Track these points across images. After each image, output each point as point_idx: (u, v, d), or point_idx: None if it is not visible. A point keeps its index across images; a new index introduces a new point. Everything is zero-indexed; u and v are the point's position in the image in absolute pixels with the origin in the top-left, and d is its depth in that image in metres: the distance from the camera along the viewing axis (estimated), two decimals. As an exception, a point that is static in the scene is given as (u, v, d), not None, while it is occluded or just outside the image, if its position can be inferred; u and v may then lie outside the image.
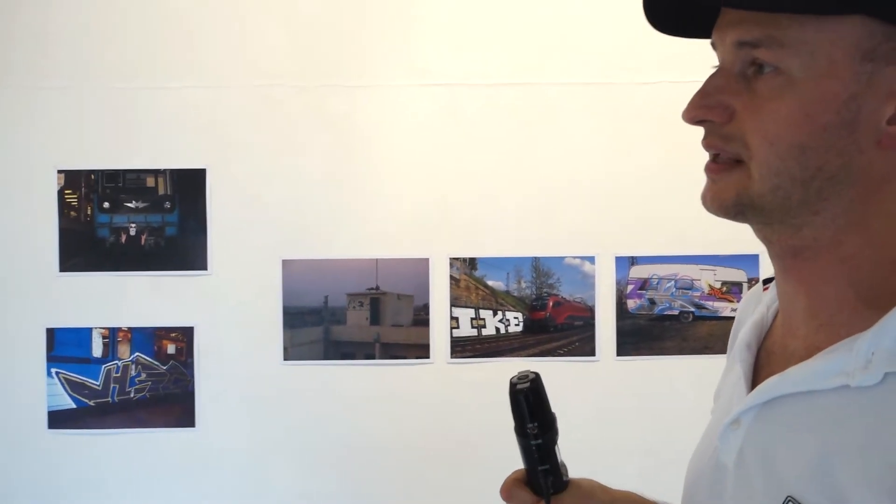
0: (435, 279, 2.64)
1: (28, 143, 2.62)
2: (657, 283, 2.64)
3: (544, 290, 2.65)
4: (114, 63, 2.62)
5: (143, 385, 2.64)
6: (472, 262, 2.65)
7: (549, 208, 2.63)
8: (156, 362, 2.64)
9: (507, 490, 0.95)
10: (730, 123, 0.72)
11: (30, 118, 2.62)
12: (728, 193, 0.73)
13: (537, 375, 0.92)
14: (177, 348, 2.64)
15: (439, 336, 2.64)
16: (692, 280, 2.64)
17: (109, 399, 2.64)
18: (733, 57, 0.72)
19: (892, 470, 0.64)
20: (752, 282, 2.62)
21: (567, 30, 2.63)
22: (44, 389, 2.62)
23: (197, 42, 2.62)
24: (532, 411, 0.90)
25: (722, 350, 2.76)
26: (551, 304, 2.65)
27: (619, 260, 2.64)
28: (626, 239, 2.63)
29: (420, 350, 2.64)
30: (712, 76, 0.74)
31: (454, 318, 2.64)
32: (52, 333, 2.63)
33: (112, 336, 2.64)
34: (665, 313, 2.65)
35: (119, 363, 2.64)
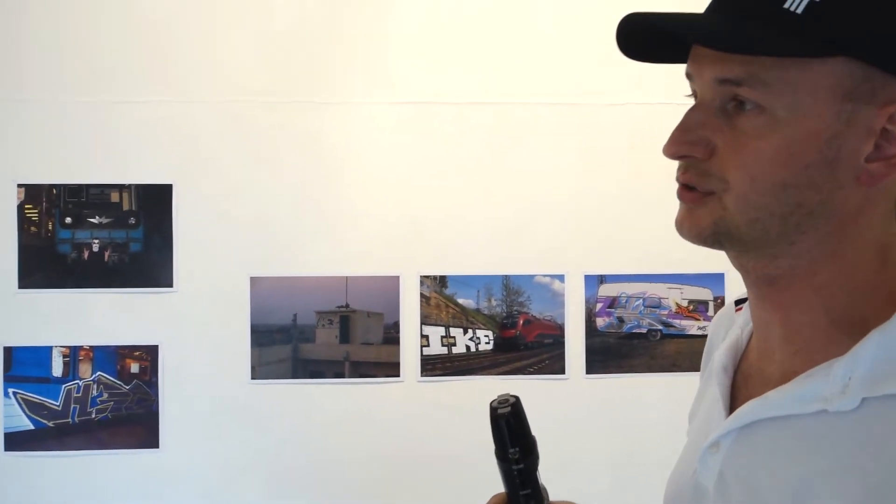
0: (405, 297, 2.62)
1: (-13, 157, 2.55)
2: (626, 302, 2.67)
3: (514, 308, 2.66)
4: (78, 75, 2.57)
5: (106, 405, 2.57)
6: (442, 280, 2.64)
7: (519, 227, 2.64)
8: (119, 382, 2.58)
9: None
10: (710, 160, 0.72)
11: (-11, 131, 2.55)
12: (705, 222, 0.73)
13: (517, 399, 0.92)
14: (140, 367, 2.58)
15: (409, 354, 2.62)
16: (660, 298, 2.68)
17: (70, 420, 2.56)
18: (713, 92, 0.72)
19: (871, 493, 0.65)
20: (717, 300, 2.67)
21: (537, 51, 2.65)
22: (0, 410, 2.54)
23: (165, 56, 2.58)
24: (513, 436, 0.90)
25: (689, 368, 2.81)
26: (521, 322, 2.65)
27: (588, 278, 2.66)
28: (596, 258, 2.66)
29: (390, 368, 2.62)
30: (692, 111, 0.74)
31: (424, 336, 2.63)
32: (9, 352, 2.55)
33: (73, 355, 2.57)
34: (633, 331, 2.67)
35: (80, 383, 2.57)
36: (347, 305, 2.62)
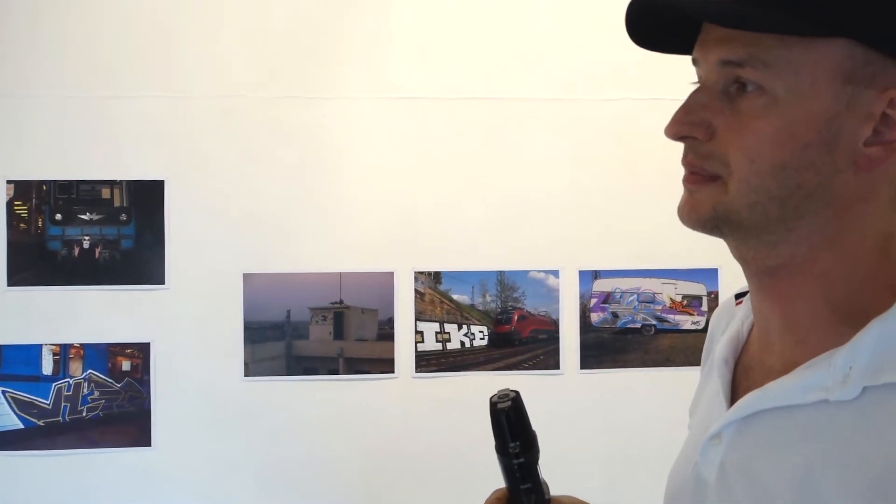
0: (399, 293, 2.62)
1: (-25, 152, 2.52)
2: (620, 297, 2.68)
3: (509, 303, 2.66)
4: (69, 71, 2.54)
5: (97, 403, 2.54)
6: (436, 276, 2.64)
7: (513, 222, 2.64)
8: (110, 380, 2.55)
9: None
10: (711, 141, 0.73)
11: (-23, 126, 2.52)
12: (705, 207, 0.73)
13: (517, 394, 0.91)
14: (132, 365, 2.55)
15: (404, 350, 2.62)
16: (654, 294, 2.68)
17: (60, 418, 2.53)
18: (717, 75, 0.73)
19: (871, 483, 0.66)
20: (710, 295, 2.68)
21: (531, 46, 2.66)
22: (-11, 409, 2.50)
23: (157, 51, 2.56)
24: (513, 430, 0.90)
25: (683, 362, 2.81)
26: (516, 317, 2.65)
27: (582, 274, 2.67)
28: (590, 253, 2.66)
29: (384, 365, 2.61)
30: (695, 93, 0.75)
31: (419, 333, 2.62)
32: (-2, 350, 2.52)
33: (63, 353, 2.54)
34: (628, 326, 2.68)
35: (70, 381, 2.54)
36: (341, 302, 2.60)
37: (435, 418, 2.60)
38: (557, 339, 2.66)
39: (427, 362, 2.62)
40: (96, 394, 2.54)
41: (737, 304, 0.90)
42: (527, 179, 2.64)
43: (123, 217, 2.57)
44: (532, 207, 2.64)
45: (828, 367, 0.71)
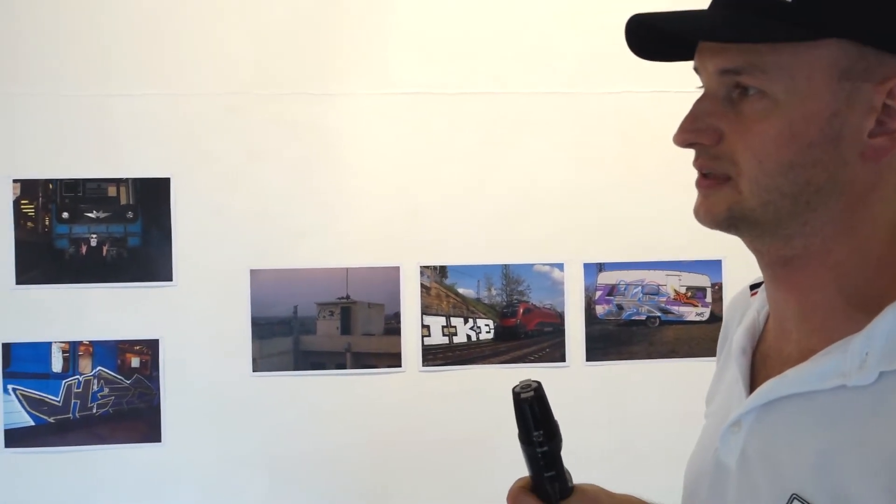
0: (405, 287, 2.63)
1: (-18, 152, 2.53)
2: (624, 289, 2.69)
3: (514, 297, 2.67)
4: (74, 69, 2.55)
5: (106, 400, 2.56)
6: (442, 270, 2.65)
7: (518, 216, 2.65)
8: (119, 376, 2.57)
9: (514, 497, 0.95)
10: (719, 145, 0.75)
11: (-16, 125, 2.53)
12: (720, 208, 0.76)
13: (539, 384, 0.93)
14: (141, 362, 2.57)
15: (411, 344, 2.63)
16: (658, 286, 2.69)
17: (70, 415, 2.55)
18: (717, 83, 0.75)
19: (889, 466, 0.67)
20: (715, 286, 2.69)
21: (533, 40, 2.66)
22: (0, 407, 2.52)
23: (161, 49, 2.57)
24: (537, 420, 0.92)
25: (688, 354, 2.82)
26: (522, 310, 2.67)
27: (587, 267, 2.68)
28: (594, 246, 2.67)
29: (391, 359, 2.63)
30: (699, 101, 0.77)
31: (425, 327, 2.64)
32: (8, 348, 2.53)
33: (73, 350, 2.55)
34: (632, 318, 2.69)
35: (80, 378, 2.55)
36: (348, 297, 2.62)
37: (442, 411, 2.62)
38: (563, 331, 2.67)
39: (434, 356, 2.64)
40: (106, 391, 2.56)
41: (752, 294, 0.92)
42: (531, 173, 2.65)
43: (130, 215, 2.58)
44: (536, 201, 2.65)
45: (844, 354, 0.73)
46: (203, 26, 2.59)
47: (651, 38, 0.78)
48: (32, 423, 2.53)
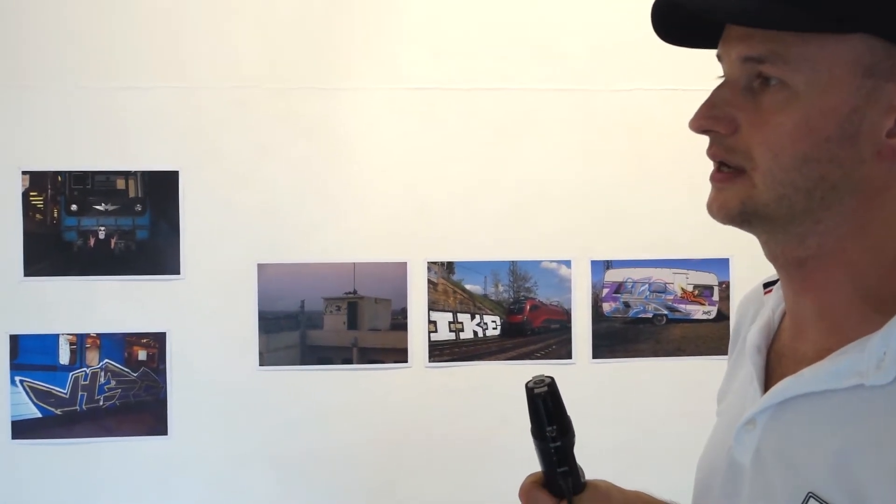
0: (413, 283, 2.63)
1: (-9, 143, 2.54)
2: (631, 287, 2.69)
3: (521, 293, 2.67)
4: (83, 61, 2.55)
5: (113, 393, 2.57)
6: (449, 266, 2.65)
7: (526, 213, 2.65)
8: (126, 369, 2.57)
9: (527, 493, 0.95)
10: (734, 135, 0.74)
11: (-7, 117, 2.54)
12: (733, 202, 0.75)
13: (552, 380, 0.93)
14: (148, 355, 2.58)
15: (417, 340, 2.63)
16: (665, 283, 2.69)
17: (77, 407, 2.56)
18: (739, 71, 0.74)
19: None
20: (722, 285, 2.68)
21: (544, 37, 2.66)
22: (7, 398, 2.53)
23: (171, 42, 2.57)
24: (550, 415, 0.92)
25: (694, 352, 2.81)
26: (528, 307, 2.67)
27: (594, 264, 2.68)
28: (602, 243, 2.67)
29: (398, 354, 2.63)
30: (719, 88, 0.76)
31: (432, 322, 2.64)
32: (15, 340, 2.54)
33: (80, 342, 2.56)
34: (639, 316, 2.69)
35: (87, 370, 2.56)
36: (355, 292, 2.62)
37: (448, 407, 2.62)
38: (569, 328, 2.67)
39: (440, 352, 2.64)
40: (113, 383, 2.57)
41: (766, 292, 0.91)
42: (539, 170, 2.65)
43: (138, 207, 2.58)
44: (544, 198, 2.65)
45: (861, 353, 0.72)
46: (213, 20, 2.59)
47: (676, 21, 0.77)
48: (39, 415, 2.54)
